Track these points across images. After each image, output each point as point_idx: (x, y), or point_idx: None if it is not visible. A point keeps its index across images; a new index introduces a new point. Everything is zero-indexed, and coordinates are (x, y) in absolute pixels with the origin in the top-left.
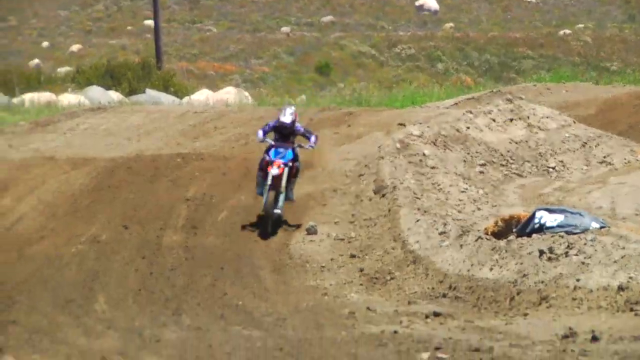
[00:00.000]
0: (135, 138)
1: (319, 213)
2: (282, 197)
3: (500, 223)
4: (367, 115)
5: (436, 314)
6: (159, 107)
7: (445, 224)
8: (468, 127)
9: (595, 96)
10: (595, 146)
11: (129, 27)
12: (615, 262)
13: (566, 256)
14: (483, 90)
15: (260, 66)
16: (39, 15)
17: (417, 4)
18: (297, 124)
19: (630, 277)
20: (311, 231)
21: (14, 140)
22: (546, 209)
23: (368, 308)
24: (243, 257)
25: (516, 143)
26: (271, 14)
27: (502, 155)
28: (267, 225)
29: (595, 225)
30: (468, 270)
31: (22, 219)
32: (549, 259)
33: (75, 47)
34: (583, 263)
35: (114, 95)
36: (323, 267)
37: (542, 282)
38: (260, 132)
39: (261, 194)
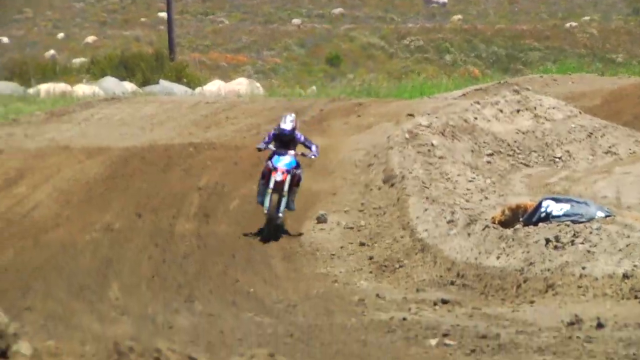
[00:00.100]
0: (148, 128)
1: (329, 202)
2: (284, 201)
3: (507, 212)
4: (376, 106)
5: (444, 301)
6: (171, 97)
7: (453, 213)
8: (476, 118)
9: (601, 87)
10: (601, 136)
11: (142, 19)
12: (620, 250)
13: (572, 244)
14: (490, 82)
15: (271, 57)
16: (55, 7)
17: None
18: (297, 132)
19: (635, 265)
20: (321, 220)
21: (30, 130)
22: (552, 198)
23: (377, 295)
24: (254, 245)
25: (523, 133)
26: (282, 6)
27: (509, 145)
28: (269, 231)
29: (600, 214)
30: (475, 259)
31: (37, 207)
32: (555, 247)
33: (90, 39)
34: (589, 251)
35: (128, 86)
36: (333, 255)
37: (549, 270)
38: (262, 144)
39: (261, 203)
